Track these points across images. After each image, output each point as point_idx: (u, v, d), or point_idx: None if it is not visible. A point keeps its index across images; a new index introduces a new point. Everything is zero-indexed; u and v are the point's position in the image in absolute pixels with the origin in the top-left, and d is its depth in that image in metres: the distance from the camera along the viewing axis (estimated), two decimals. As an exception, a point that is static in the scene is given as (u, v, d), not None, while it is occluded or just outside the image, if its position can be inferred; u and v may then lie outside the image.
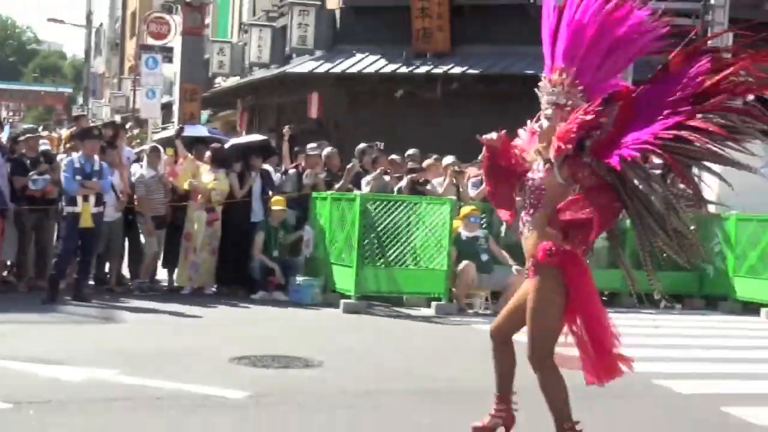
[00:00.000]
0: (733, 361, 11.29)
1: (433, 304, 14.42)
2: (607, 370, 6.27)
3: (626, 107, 6.04)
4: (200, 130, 24.71)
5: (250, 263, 15.14)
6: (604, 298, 15.10)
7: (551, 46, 6.38)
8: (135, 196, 15.17)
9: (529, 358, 6.25)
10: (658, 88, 6.09)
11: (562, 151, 6.07)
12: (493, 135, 6.61)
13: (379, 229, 14.51)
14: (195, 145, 17.04)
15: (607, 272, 14.04)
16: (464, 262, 14.60)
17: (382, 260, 14.55)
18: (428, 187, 15.78)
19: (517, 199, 6.53)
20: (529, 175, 6.37)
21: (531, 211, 6.30)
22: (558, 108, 6.23)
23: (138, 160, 16.59)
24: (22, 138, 15.04)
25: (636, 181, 5.89)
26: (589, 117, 5.99)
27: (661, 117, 5.88)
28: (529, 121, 6.65)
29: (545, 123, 6.29)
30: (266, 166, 16.36)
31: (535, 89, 6.40)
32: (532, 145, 6.47)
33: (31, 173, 14.31)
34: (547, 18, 6.44)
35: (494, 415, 6.71)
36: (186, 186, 15.35)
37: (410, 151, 16.96)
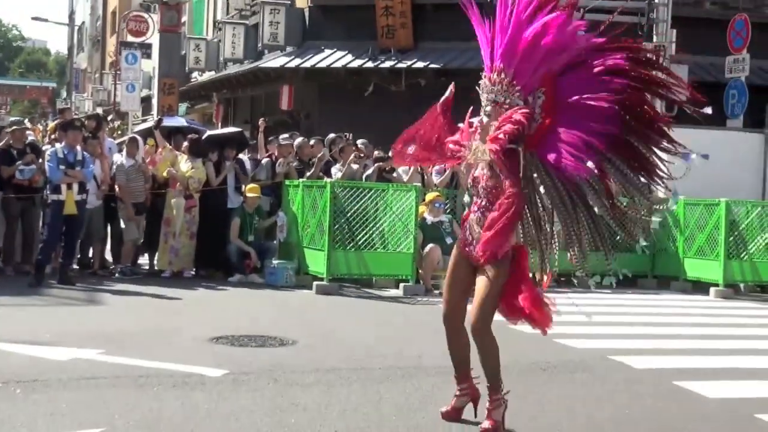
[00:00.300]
0: (684, 337, 11.27)
1: (401, 285, 14.41)
2: (545, 320, 6.38)
3: (551, 94, 6.16)
4: (178, 121, 24.51)
5: (227, 247, 15.05)
6: (562, 279, 15.13)
7: (488, 50, 6.37)
8: (116, 184, 15.03)
9: (474, 326, 6.29)
10: (580, 76, 6.19)
11: (496, 154, 6.08)
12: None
13: (348, 214, 14.46)
14: (173, 135, 16.93)
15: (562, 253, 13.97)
16: (430, 245, 14.61)
17: (352, 244, 14.50)
18: (394, 174, 15.75)
19: (474, 198, 6.59)
20: (476, 173, 6.42)
21: (487, 207, 6.34)
22: (497, 105, 6.25)
23: (120, 150, 16.48)
24: (8, 130, 14.85)
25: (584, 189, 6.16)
26: (516, 125, 6.01)
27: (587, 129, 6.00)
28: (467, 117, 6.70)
29: (485, 119, 6.31)
30: (241, 156, 16.27)
31: (476, 87, 6.35)
32: (473, 137, 6.44)
33: (17, 163, 14.17)
34: (480, 25, 6.44)
35: (459, 395, 6.66)
36: (165, 174, 15.26)
37: (360, 141, 16.91)
